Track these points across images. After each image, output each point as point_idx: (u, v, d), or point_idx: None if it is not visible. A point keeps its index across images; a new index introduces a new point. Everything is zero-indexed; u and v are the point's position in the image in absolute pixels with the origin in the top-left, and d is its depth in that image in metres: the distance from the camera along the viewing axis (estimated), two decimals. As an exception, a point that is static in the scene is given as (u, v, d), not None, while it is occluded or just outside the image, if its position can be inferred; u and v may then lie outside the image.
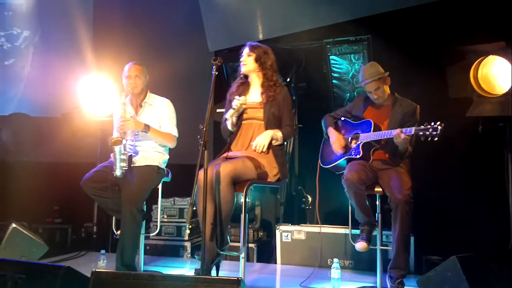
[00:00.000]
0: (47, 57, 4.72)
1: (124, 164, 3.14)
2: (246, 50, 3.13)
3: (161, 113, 3.39)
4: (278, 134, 3.02)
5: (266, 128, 3.04)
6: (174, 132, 3.40)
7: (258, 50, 3.11)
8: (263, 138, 2.98)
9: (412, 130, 2.86)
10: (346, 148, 3.22)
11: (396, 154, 3.07)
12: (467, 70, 3.49)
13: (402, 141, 2.89)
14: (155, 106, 3.40)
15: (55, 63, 4.71)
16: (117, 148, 3.13)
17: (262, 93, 3.10)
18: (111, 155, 3.21)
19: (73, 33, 4.84)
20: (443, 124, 2.74)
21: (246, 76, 3.20)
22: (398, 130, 2.89)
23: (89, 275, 2.16)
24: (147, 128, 3.24)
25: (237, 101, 2.97)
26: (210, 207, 2.72)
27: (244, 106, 3.02)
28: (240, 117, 3.11)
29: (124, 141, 3.18)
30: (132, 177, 3.15)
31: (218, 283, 1.97)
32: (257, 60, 3.10)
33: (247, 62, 3.11)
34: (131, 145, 3.31)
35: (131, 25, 5.01)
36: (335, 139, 3.24)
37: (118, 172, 3.12)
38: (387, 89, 3.19)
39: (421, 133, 2.81)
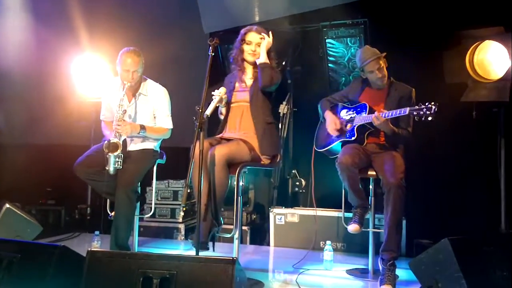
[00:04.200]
0: (40, 37, 4.64)
1: (118, 166, 3.04)
2: (256, 38, 3.03)
3: (156, 104, 3.33)
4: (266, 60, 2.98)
5: (251, 109, 3.00)
6: (169, 124, 3.36)
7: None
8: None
9: (407, 110, 2.86)
10: (341, 131, 3.23)
11: (394, 137, 3.09)
12: (463, 55, 3.49)
13: (381, 124, 2.93)
14: (150, 96, 3.33)
15: (48, 43, 4.63)
16: (112, 155, 3.02)
17: (253, 76, 3.07)
18: (105, 138, 3.16)
19: (67, 13, 4.75)
20: (437, 104, 2.75)
21: (243, 60, 3.12)
22: (376, 114, 2.92)
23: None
24: (143, 129, 3.20)
25: (216, 95, 2.88)
26: (205, 185, 2.75)
27: (224, 97, 2.93)
28: (228, 104, 3.08)
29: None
30: (128, 160, 3.13)
31: (214, 262, 1.98)
32: (268, 52, 3.03)
33: (258, 50, 3.02)
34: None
35: (126, 5, 4.94)
36: (330, 121, 3.25)
37: (111, 171, 3.03)
38: (385, 69, 3.18)
39: (415, 113, 2.81)
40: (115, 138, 3.05)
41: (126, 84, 3.18)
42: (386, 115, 2.96)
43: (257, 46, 3.04)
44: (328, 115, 3.30)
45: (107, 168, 3.04)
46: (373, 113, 3.05)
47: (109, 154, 3.01)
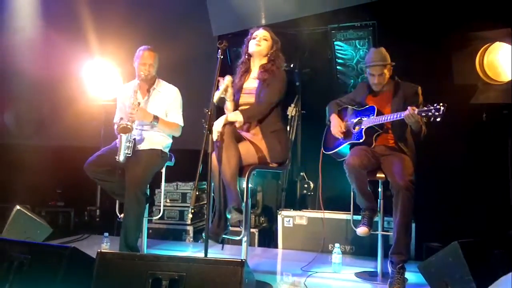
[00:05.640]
0: (51, 41, 4.69)
1: (128, 151, 3.13)
2: (263, 32, 3.08)
3: (169, 101, 3.41)
4: (238, 117, 2.86)
5: None
6: (180, 121, 3.43)
7: (274, 38, 3.10)
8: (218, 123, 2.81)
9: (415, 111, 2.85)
10: (349, 133, 3.22)
11: (401, 138, 3.08)
12: (472, 57, 3.47)
13: (415, 120, 2.86)
14: (163, 94, 3.42)
15: (59, 47, 4.68)
16: (124, 136, 3.12)
17: (258, 75, 3.05)
18: (117, 140, 3.20)
19: (77, 18, 4.81)
20: (446, 105, 2.72)
21: (249, 57, 3.14)
22: (410, 109, 2.85)
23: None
24: (156, 119, 3.26)
25: (222, 83, 2.90)
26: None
27: (230, 86, 2.95)
28: (236, 102, 3.07)
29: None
30: (136, 160, 3.16)
31: (223, 264, 1.99)
32: (271, 47, 3.07)
33: (262, 44, 3.06)
34: (136, 129, 3.31)
35: (134, 10, 4.97)
36: (335, 124, 3.26)
37: (121, 158, 3.11)
38: (387, 77, 3.18)
39: (424, 114, 2.79)
40: (127, 122, 3.13)
41: (142, 75, 3.29)
42: (393, 117, 2.95)
43: (262, 40, 3.06)
44: (333, 118, 3.30)
45: (117, 158, 3.10)
46: (381, 115, 3.06)
47: (121, 134, 3.10)
